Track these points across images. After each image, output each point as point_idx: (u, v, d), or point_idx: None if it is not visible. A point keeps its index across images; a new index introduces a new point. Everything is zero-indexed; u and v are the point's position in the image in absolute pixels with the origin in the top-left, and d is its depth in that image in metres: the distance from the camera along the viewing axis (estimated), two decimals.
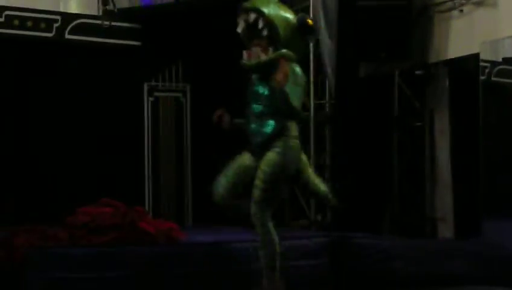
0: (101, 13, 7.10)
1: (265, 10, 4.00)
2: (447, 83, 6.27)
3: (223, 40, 6.91)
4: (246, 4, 4.10)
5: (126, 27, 7.09)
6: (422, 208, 6.40)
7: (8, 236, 4.59)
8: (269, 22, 3.97)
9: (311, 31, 4.15)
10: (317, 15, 6.40)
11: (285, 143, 4.00)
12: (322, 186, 4.39)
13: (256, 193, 3.97)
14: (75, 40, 6.81)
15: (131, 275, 4.40)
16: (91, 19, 6.96)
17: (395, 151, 6.41)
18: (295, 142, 4.06)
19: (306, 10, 6.54)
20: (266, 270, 4.06)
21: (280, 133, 4.00)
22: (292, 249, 4.91)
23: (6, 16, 6.44)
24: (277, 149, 3.98)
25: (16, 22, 6.49)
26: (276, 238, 4.06)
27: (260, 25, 3.98)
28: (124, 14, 7.11)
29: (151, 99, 7.29)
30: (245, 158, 4.16)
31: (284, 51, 4.00)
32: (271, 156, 3.97)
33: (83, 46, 6.83)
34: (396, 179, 6.44)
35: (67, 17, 6.84)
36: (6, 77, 6.36)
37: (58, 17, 6.75)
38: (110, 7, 6.96)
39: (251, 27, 4.03)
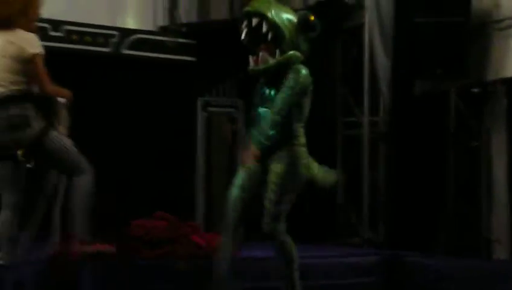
0: (157, 29, 7.20)
1: (268, 13, 3.86)
2: (505, 102, 6.15)
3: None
4: (247, 9, 3.97)
5: (181, 43, 7.16)
6: (477, 228, 6.28)
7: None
8: (273, 25, 3.85)
9: (314, 27, 4.01)
10: (373, 31, 6.38)
11: (293, 152, 3.90)
12: (327, 176, 4.26)
13: (270, 208, 3.89)
14: (131, 55, 6.91)
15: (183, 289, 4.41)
16: (147, 34, 7.06)
17: (451, 170, 6.31)
18: (303, 150, 3.95)
19: (361, 27, 6.53)
20: (286, 282, 4.03)
21: (287, 139, 3.90)
22: (344, 267, 4.88)
23: (66, 30, 6.56)
24: (286, 159, 3.87)
25: (75, 37, 6.60)
26: (295, 254, 4.04)
27: (264, 28, 3.86)
28: (180, 29, 7.21)
29: (204, 114, 7.34)
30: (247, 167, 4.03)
31: (291, 52, 3.90)
32: (278, 168, 3.86)
33: (139, 61, 6.92)
34: (452, 198, 6.33)
35: (124, 32, 6.95)
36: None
37: (116, 33, 6.86)
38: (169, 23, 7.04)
39: (255, 32, 3.91)
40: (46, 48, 4.14)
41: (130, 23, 7.32)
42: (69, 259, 4.27)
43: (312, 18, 3.99)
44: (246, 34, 3.95)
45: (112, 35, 6.79)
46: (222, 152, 7.33)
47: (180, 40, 7.15)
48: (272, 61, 3.88)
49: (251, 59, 3.97)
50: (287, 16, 3.93)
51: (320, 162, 6.66)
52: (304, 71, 3.90)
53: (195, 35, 7.22)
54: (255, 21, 3.86)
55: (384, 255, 5.09)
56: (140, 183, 6.73)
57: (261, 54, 3.90)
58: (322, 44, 6.73)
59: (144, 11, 7.37)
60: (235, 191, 4.09)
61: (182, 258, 4.74)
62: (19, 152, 4.00)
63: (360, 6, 6.64)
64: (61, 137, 4.15)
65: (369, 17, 6.43)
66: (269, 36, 3.85)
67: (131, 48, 6.92)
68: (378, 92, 6.50)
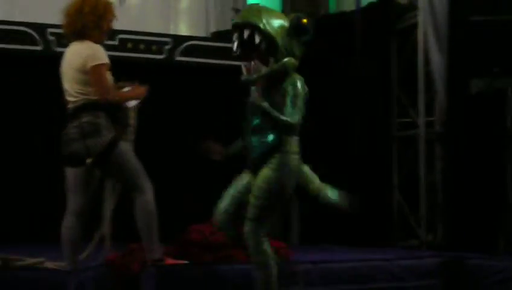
0: (209, 35, 7.25)
1: (260, 23, 3.72)
2: None
3: (328, 59, 6.96)
4: (237, 20, 3.86)
5: (226, 47, 7.15)
6: None
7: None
8: (266, 35, 3.72)
9: (307, 30, 3.86)
10: (427, 31, 6.32)
11: (281, 159, 3.78)
12: (331, 194, 4.26)
13: (251, 210, 3.79)
14: (184, 61, 6.95)
15: None
16: (200, 40, 7.10)
17: (509, 169, 6.20)
18: (293, 158, 3.83)
19: (415, 27, 6.47)
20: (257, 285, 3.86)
21: (277, 148, 3.79)
22: (404, 270, 4.83)
23: (120, 39, 6.64)
24: (272, 165, 3.77)
25: (129, 45, 6.68)
26: (271, 260, 3.89)
27: (257, 40, 3.72)
28: (230, 34, 7.21)
29: None
30: (244, 177, 3.99)
31: (286, 60, 3.79)
32: (266, 172, 3.77)
33: (192, 67, 6.96)
34: None
35: (178, 39, 7.00)
36: None
37: (169, 40, 6.91)
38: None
39: (247, 43, 3.77)
40: None
41: (183, 30, 7.38)
42: (131, 270, 4.33)
43: (305, 21, 3.86)
44: (238, 46, 3.81)
45: (166, 43, 6.84)
46: None
47: (226, 44, 7.15)
48: (265, 69, 3.76)
49: (244, 68, 3.84)
50: (278, 22, 3.80)
51: (376, 164, 6.68)
52: (300, 82, 3.82)
53: None
54: (246, 33, 3.73)
55: (444, 257, 5.02)
56: (198, 188, 6.76)
57: (253, 63, 3.78)
58: (376, 46, 6.73)
59: (196, 17, 7.44)
60: (223, 202, 4.04)
61: (241, 262, 4.76)
62: (88, 160, 4.07)
63: (413, 7, 6.59)
64: (128, 152, 4.21)
65: (422, 17, 6.37)
66: (262, 46, 3.73)
67: (184, 54, 6.97)
68: (434, 92, 6.43)
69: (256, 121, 3.85)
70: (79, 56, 4.16)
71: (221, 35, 7.15)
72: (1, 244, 5.18)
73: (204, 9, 7.42)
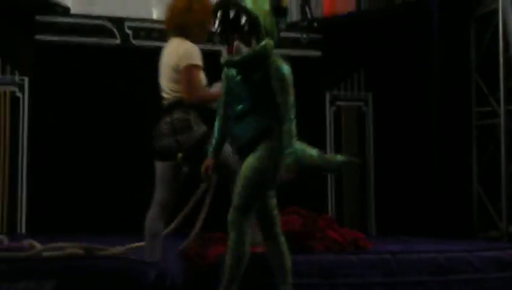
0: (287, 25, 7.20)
1: (248, 3, 3.59)
2: None
3: (405, 48, 6.87)
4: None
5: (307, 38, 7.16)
6: None
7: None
8: (252, 16, 3.58)
9: (285, 12, 3.73)
10: (507, 16, 6.14)
11: (267, 149, 3.64)
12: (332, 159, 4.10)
13: (236, 198, 3.66)
14: None
15: (318, 284, 4.41)
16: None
17: None
18: (279, 148, 3.66)
19: (494, 13, 6.31)
20: (225, 281, 3.71)
21: (265, 135, 3.66)
22: (484, 261, 4.73)
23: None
24: (258, 154, 3.64)
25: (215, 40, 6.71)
26: (248, 250, 3.71)
27: (243, 20, 3.58)
28: (305, 25, 7.21)
29: (333, 108, 7.33)
30: None
31: (267, 41, 3.62)
32: (251, 161, 3.64)
33: None
34: None
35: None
36: None
37: None
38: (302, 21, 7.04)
39: (229, 22, 3.62)
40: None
41: None
42: (207, 259, 4.38)
43: (285, 2, 3.73)
44: (220, 24, 3.65)
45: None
46: (351, 145, 7.29)
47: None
48: (246, 50, 3.61)
49: (224, 49, 3.67)
50: (262, 5, 3.65)
51: (456, 154, 6.56)
52: (286, 68, 3.69)
53: (322, 30, 7.20)
54: (232, 12, 3.60)
55: None
56: None
57: (235, 43, 3.61)
58: (454, 33, 6.59)
59: None
60: None
61: (319, 252, 4.74)
62: (179, 155, 4.14)
63: None
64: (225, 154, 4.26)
65: (502, 2, 6.19)
66: (246, 27, 3.59)
67: None
68: None
69: (239, 107, 3.72)
70: (176, 54, 4.21)
71: (299, 26, 7.12)
72: (86, 234, 5.32)
73: None
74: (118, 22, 6.76)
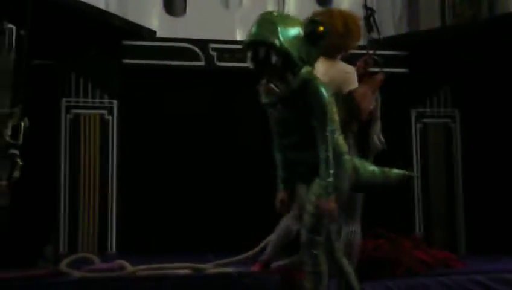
0: (367, 43, 7.17)
1: (276, 40, 3.46)
2: None
3: (493, 63, 6.72)
4: (252, 38, 3.55)
5: (392, 55, 7.09)
6: None
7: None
8: (283, 53, 3.48)
9: (322, 37, 3.60)
10: None
11: (335, 164, 3.57)
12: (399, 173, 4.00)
13: (308, 219, 3.61)
14: None
15: None
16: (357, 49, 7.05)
17: None
18: (345, 160, 3.66)
19: None
20: None
21: (326, 158, 3.55)
22: None
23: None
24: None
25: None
26: (325, 270, 3.64)
27: (273, 59, 3.47)
28: (390, 41, 7.15)
29: (419, 125, 7.22)
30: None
31: (303, 72, 3.54)
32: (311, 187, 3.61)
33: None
34: None
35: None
36: None
37: None
38: (375, 36, 6.98)
39: (262, 61, 3.51)
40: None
41: None
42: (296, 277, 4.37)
43: (321, 28, 3.60)
44: (252, 64, 3.55)
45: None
46: (439, 163, 7.15)
47: (391, 52, 7.07)
48: (283, 87, 3.53)
49: (261, 89, 3.64)
50: (294, 32, 3.53)
51: None
52: (322, 87, 3.58)
53: (407, 46, 7.12)
54: (262, 51, 3.48)
55: None
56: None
57: (268, 85, 3.56)
58: None
59: None
60: None
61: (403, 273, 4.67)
62: None
63: None
64: None
65: None
66: (278, 63, 3.49)
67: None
68: None
69: (293, 138, 3.66)
70: (333, 78, 4.16)
71: (379, 44, 7.06)
72: (175, 253, 5.39)
73: (362, 18, 7.34)
74: (202, 44, 6.86)
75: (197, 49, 6.85)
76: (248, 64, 3.59)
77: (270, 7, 7.43)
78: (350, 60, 4.41)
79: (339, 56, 4.33)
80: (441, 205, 7.13)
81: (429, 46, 7.04)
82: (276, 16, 3.61)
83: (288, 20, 3.61)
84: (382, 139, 4.54)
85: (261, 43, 3.49)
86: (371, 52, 5.11)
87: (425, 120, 7.23)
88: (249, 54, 3.55)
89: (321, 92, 3.56)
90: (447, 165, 7.16)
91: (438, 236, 6.99)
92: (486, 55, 6.77)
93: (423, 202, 7.09)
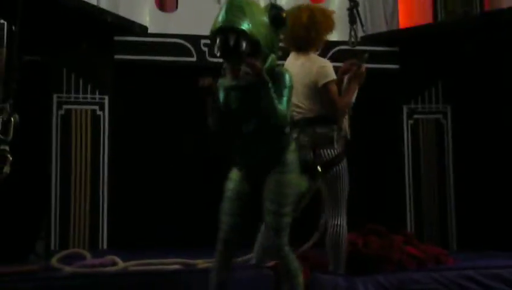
0: (359, 40, 7.19)
1: (246, 27, 3.40)
2: None
3: (484, 59, 6.73)
4: (220, 25, 3.43)
5: (383, 51, 7.10)
6: None
7: None
8: (253, 40, 3.43)
9: (284, 23, 3.60)
10: None
11: (292, 157, 3.60)
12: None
13: (276, 220, 3.53)
14: (334, 67, 6.93)
15: None
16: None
17: None
18: (296, 153, 3.65)
19: None
20: None
21: (284, 146, 3.59)
22: None
23: None
24: (288, 167, 3.57)
25: (280, 54, 6.73)
26: (297, 265, 3.62)
27: (243, 46, 3.40)
28: (381, 37, 7.17)
29: (410, 122, 7.23)
30: (242, 185, 3.70)
31: (271, 58, 3.53)
32: (287, 176, 3.56)
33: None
34: None
35: (327, 44, 6.97)
36: None
37: None
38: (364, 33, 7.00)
39: (230, 48, 3.43)
40: None
41: (332, 35, 7.34)
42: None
43: (284, 15, 3.60)
44: (220, 51, 3.46)
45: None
46: (430, 159, 7.17)
47: (382, 48, 7.09)
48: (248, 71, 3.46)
49: (228, 72, 3.57)
50: (260, 20, 3.51)
51: None
52: (287, 75, 3.57)
53: (398, 42, 7.13)
54: (232, 39, 3.39)
55: None
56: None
57: (242, 68, 3.48)
58: None
59: (345, 21, 7.39)
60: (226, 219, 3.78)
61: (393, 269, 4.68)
62: (318, 168, 4.17)
63: None
64: (347, 172, 4.29)
65: None
66: (246, 50, 3.42)
67: (333, 59, 6.94)
68: None
69: (250, 126, 3.60)
70: (309, 73, 4.25)
71: (371, 39, 7.08)
72: (167, 249, 5.39)
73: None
74: (194, 39, 6.85)
75: (188, 45, 6.84)
76: (215, 51, 3.50)
77: (262, 2, 7.43)
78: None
79: (313, 50, 4.37)
80: (433, 201, 7.14)
81: (420, 42, 7.06)
82: (244, 2, 3.49)
83: (254, 7, 3.55)
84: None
85: (231, 30, 3.41)
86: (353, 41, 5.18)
87: (417, 116, 7.24)
88: (218, 41, 3.44)
89: (287, 76, 3.57)
90: (439, 161, 7.18)
91: (429, 232, 7.01)
92: (477, 51, 6.78)
93: (414, 199, 7.10)
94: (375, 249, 4.82)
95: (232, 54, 3.46)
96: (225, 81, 3.66)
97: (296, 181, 3.62)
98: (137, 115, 6.72)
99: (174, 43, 6.84)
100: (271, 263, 4.56)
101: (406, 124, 7.23)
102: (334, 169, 4.28)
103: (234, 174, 3.75)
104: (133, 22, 6.69)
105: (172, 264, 4.42)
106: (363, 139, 6.81)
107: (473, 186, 6.93)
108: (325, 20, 4.35)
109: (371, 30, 7.35)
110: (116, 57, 6.68)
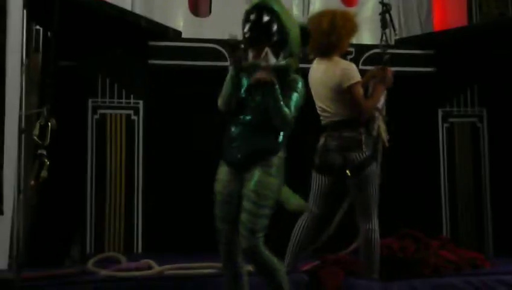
0: (391, 44, 7.15)
1: (281, 14, 3.51)
2: None
3: None
4: (257, 1, 3.55)
5: (419, 54, 7.06)
6: None
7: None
8: (283, 27, 3.51)
9: (308, 42, 3.69)
10: None
11: (279, 162, 3.52)
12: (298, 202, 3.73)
13: (252, 220, 3.44)
14: (368, 70, 6.91)
15: None
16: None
17: None
18: (282, 163, 3.56)
19: None
20: None
21: (273, 148, 3.52)
22: None
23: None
24: (273, 170, 3.49)
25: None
26: (280, 264, 3.55)
27: (274, 28, 3.49)
28: (417, 41, 7.13)
29: (446, 125, 7.17)
30: (230, 185, 3.64)
31: (292, 59, 3.54)
32: (271, 179, 3.47)
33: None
34: None
35: (361, 48, 6.98)
36: None
37: (352, 49, 6.90)
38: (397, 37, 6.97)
39: (261, 27, 3.51)
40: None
41: (366, 39, 7.34)
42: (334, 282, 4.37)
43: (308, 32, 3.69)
44: (252, 29, 3.52)
45: (349, 52, 6.83)
46: (466, 163, 7.10)
47: (418, 51, 7.04)
48: (274, 61, 3.48)
49: (250, 54, 3.54)
50: (293, 23, 3.60)
51: None
52: (302, 82, 3.56)
53: (433, 45, 7.08)
54: (266, 17, 3.49)
55: None
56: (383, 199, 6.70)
57: (266, 49, 3.49)
58: None
59: (378, 25, 7.35)
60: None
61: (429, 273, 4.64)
62: (348, 171, 4.17)
63: None
64: (376, 176, 4.27)
65: None
66: (275, 37, 3.50)
67: (367, 63, 6.92)
68: None
69: (247, 118, 3.57)
70: (333, 75, 4.26)
71: (405, 42, 7.04)
72: (201, 254, 5.39)
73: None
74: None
75: (222, 49, 6.85)
76: (245, 29, 3.54)
77: (295, 7, 7.43)
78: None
79: (337, 54, 4.36)
80: (468, 205, 7.07)
81: (456, 44, 6.99)
82: (280, 1, 3.63)
83: (287, 11, 3.64)
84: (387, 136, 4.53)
85: (267, 9, 3.50)
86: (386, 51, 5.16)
87: (452, 119, 7.18)
88: (252, 18, 3.52)
89: (300, 82, 3.56)
90: (474, 165, 7.10)
91: (465, 237, 6.93)
92: None
93: (450, 203, 7.04)
94: (411, 253, 4.78)
95: (261, 33, 3.50)
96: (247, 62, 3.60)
97: (277, 187, 3.52)
98: (172, 120, 6.75)
99: (208, 47, 6.86)
100: (305, 267, 4.56)
101: (442, 128, 7.17)
102: (363, 173, 4.25)
103: (222, 173, 3.72)
104: (167, 27, 6.72)
105: (207, 268, 4.43)
106: (398, 142, 6.77)
107: (509, 190, 6.84)
108: (345, 24, 4.34)
109: (405, 33, 7.31)
110: (150, 61, 6.72)
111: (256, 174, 3.50)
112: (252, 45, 3.54)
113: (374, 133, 4.44)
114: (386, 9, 5.13)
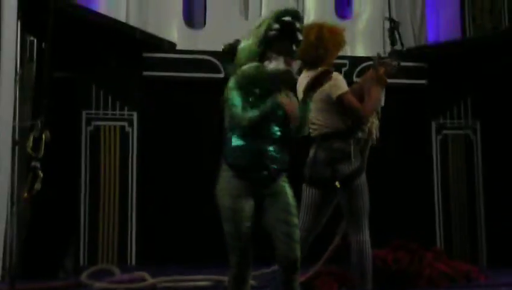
0: (387, 54, 7.17)
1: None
2: None
3: None
4: (292, 9, 3.59)
5: (412, 66, 7.08)
6: None
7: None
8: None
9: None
10: None
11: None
12: None
13: (296, 231, 3.42)
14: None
15: None
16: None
17: None
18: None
19: None
20: None
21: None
22: None
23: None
24: (287, 182, 3.49)
25: None
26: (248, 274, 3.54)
27: (300, 37, 3.48)
28: (410, 53, 7.14)
29: (439, 137, 7.18)
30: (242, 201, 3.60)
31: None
32: (288, 190, 3.47)
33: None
34: None
35: (355, 60, 7.00)
36: None
37: (346, 61, 6.92)
38: (398, 47, 6.97)
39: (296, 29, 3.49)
40: None
41: (360, 51, 7.36)
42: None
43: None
44: (286, 32, 3.48)
45: (343, 64, 6.85)
46: (459, 174, 7.12)
47: (411, 63, 7.06)
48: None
49: (282, 61, 3.44)
50: None
51: None
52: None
53: (427, 58, 7.11)
54: (299, 23, 3.50)
55: None
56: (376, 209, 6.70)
57: (298, 61, 3.46)
58: None
59: (373, 38, 7.39)
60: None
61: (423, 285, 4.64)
62: (337, 183, 4.15)
63: None
64: (366, 186, 4.25)
65: None
66: (295, 47, 3.48)
67: (361, 75, 6.93)
68: None
69: (278, 133, 3.50)
70: (321, 87, 4.23)
71: (401, 55, 7.05)
72: (194, 265, 5.38)
73: (381, 29, 7.34)
74: (222, 56, 6.87)
75: (216, 61, 6.87)
76: (272, 33, 3.48)
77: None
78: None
79: (324, 67, 4.33)
80: (462, 217, 7.08)
81: (449, 57, 7.02)
82: None
83: None
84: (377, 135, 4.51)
85: (299, 20, 3.53)
86: (395, 62, 5.14)
87: (446, 131, 7.20)
88: (297, 26, 3.51)
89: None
90: (468, 177, 7.11)
91: (458, 248, 6.94)
92: (506, 66, 6.73)
93: (443, 214, 7.04)
94: (405, 265, 4.77)
95: (294, 38, 3.48)
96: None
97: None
98: (166, 131, 6.75)
99: (202, 59, 6.87)
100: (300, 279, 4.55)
101: (435, 140, 7.18)
102: (353, 184, 4.23)
103: (234, 189, 3.65)
104: (162, 39, 6.73)
105: (202, 280, 4.41)
106: (391, 154, 6.81)
107: (502, 202, 6.85)
108: (333, 37, 4.33)
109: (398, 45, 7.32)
110: (145, 73, 6.73)
111: (286, 187, 3.49)
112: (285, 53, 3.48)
113: (366, 129, 4.40)
114: (394, 25, 5.11)
